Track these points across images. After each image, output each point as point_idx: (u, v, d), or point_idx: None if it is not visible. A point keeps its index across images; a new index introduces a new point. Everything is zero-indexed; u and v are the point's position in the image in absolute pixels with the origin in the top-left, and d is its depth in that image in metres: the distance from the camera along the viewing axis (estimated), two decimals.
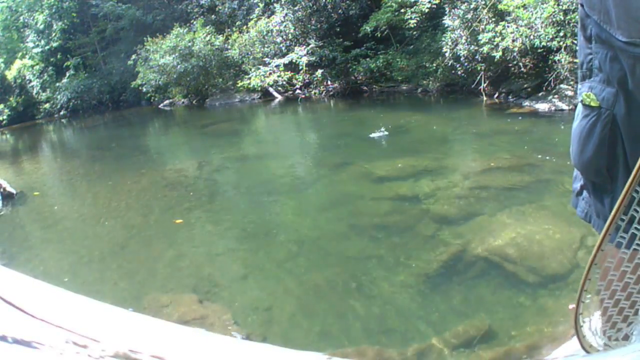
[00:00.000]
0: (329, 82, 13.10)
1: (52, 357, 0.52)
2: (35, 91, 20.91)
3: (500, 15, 8.81)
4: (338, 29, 13.20)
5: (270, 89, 13.93)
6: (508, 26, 8.41)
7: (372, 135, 7.25)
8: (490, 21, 8.90)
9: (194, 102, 15.85)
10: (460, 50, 9.47)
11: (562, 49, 7.82)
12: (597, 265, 0.94)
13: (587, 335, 1.01)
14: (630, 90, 0.95)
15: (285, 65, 13.38)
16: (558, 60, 7.92)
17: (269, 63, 13.79)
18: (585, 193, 1.15)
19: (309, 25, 13.46)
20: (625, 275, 0.94)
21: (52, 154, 12.10)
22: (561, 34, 7.76)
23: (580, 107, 1.08)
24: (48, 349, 0.53)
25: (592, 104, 1.03)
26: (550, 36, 7.79)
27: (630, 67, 0.93)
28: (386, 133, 7.25)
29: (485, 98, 9.50)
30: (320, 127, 10.00)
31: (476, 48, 9.10)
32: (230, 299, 3.31)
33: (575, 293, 2.72)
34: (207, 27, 15.31)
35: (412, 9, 10.86)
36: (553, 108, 8.04)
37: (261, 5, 15.00)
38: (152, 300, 3.36)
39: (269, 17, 14.40)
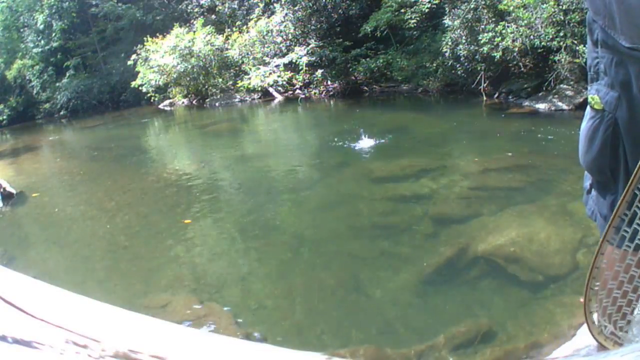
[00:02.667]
0: (329, 82, 13.10)
1: (52, 357, 0.52)
2: (35, 91, 20.89)
3: (500, 15, 8.80)
4: (338, 29, 13.20)
5: (270, 89, 13.93)
6: (508, 26, 8.41)
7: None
8: (490, 21, 8.90)
9: (194, 102, 15.84)
10: (460, 50, 9.47)
11: (562, 49, 7.82)
12: (603, 255, 0.97)
13: (596, 322, 1.04)
14: (634, 95, 0.97)
15: (285, 65, 13.38)
16: (558, 60, 7.92)
17: (269, 63, 13.78)
18: (594, 191, 1.18)
19: (309, 25, 13.45)
20: (630, 267, 0.97)
21: (52, 154, 12.10)
22: (561, 34, 7.75)
23: (588, 108, 1.11)
24: (48, 349, 0.53)
25: (596, 106, 1.06)
26: (550, 36, 7.79)
27: (636, 71, 0.95)
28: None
29: (485, 98, 9.49)
30: (320, 127, 9.99)
31: (476, 48, 9.10)
32: (230, 299, 3.31)
33: (577, 293, 2.71)
34: (207, 27, 15.29)
35: (412, 9, 10.86)
36: (553, 108, 8.04)
37: (261, 5, 14.99)
38: (152, 300, 3.36)
39: (269, 17, 14.39)
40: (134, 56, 16.03)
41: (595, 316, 1.06)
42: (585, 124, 1.11)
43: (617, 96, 1.01)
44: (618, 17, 0.93)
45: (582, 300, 2.68)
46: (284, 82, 13.57)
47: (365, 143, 7.07)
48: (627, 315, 1.05)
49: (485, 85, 9.64)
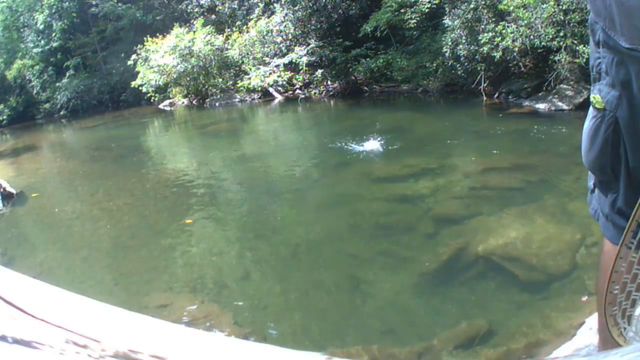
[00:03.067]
0: (329, 82, 13.10)
1: (52, 357, 0.52)
2: (35, 91, 20.90)
3: (500, 15, 8.80)
4: (338, 29, 13.19)
5: (270, 89, 13.93)
6: (508, 26, 8.41)
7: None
8: (490, 21, 8.90)
9: (194, 102, 15.84)
10: (460, 50, 9.47)
11: (562, 49, 7.82)
12: (622, 259, 0.98)
13: (617, 324, 1.05)
14: (634, 94, 0.98)
15: (285, 65, 13.38)
16: (558, 60, 7.92)
17: (269, 63, 13.79)
18: (597, 190, 1.19)
19: (309, 25, 13.45)
20: None
21: (52, 154, 12.10)
22: (561, 34, 7.75)
23: (591, 107, 1.13)
24: (48, 349, 0.53)
25: (598, 105, 1.08)
26: (550, 36, 7.79)
27: (636, 71, 0.97)
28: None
29: (485, 98, 9.50)
30: (320, 127, 10.00)
31: (476, 48, 9.10)
32: (230, 299, 3.31)
33: (577, 293, 2.71)
34: (207, 27, 15.29)
35: (412, 9, 10.85)
36: (553, 108, 8.04)
37: (261, 5, 14.99)
38: (152, 300, 3.36)
39: (269, 17, 14.39)
40: (134, 56, 16.02)
41: (615, 319, 1.07)
42: (588, 123, 1.12)
43: (618, 95, 1.02)
44: (618, 18, 0.94)
45: (584, 299, 2.68)
46: (284, 82, 13.57)
47: (365, 143, 7.06)
48: None
49: (485, 85, 9.64)
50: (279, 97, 13.83)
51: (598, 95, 1.07)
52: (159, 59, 15.00)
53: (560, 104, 8.02)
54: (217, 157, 8.09)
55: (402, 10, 11.09)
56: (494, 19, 8.87)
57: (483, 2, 9.00)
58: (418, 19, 10.80)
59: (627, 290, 1.01)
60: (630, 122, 1.01)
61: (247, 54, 14.45)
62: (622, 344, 1.06)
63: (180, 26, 15.61)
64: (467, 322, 2.67)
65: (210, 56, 14.76)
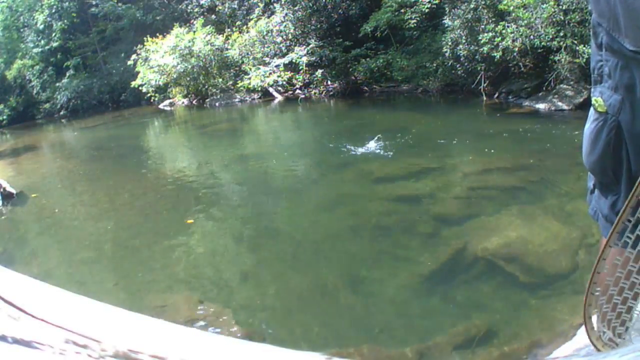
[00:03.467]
0: (329, 82, 13.10)
1: (52, 357, 0.52)
2: (35, 91, 20.92)
3: (500, 15, 8.81)
4: (338, 29, 13.20)
5: (270, 89, 13.94)
6: (508, 26, 8.42)
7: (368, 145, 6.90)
8: (490, 21, 8.91)
9: (194, 102, 15.85)
10: (460, 50, 9.47)
11: (562, 49, 7.82)
12: (605, 261, 0.96)
13: (595, 327, 1.04)
14: (638, 98, 0.98)
15: (285, 65, 13.38)
16: (558, 60, 7.92)
17: (269, 63, 13.79)
18: (596, 191, 1.18)
19: (309, 25, 13.46)
20: (631, 274, 0.96)
21: (52, 154, 12.10)
22: (561, 34, 7.76)
23: (592, 110, 1.12)
24: (48, 349, 0.53)
25: (600, 109, 1.07)
26: (550, 36, 7.79)
27: None
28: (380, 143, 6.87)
29: (485, 98, 9.50)
30: (320, 127, 10.00)
31: (476, 48, 9.10)
32: (230, 299, 3.31)
33: (577, 293, 2.71)
34: (207, 27, 15.30)
35: (412, 9, 10.86)
36: (553, 108, 8.04)
37: (261, 5, 15.00)
38: (152, 300, 3.36)
39: (269, 17, 14.40)
40: (134, 56, 16.03)
41: (594, 321, 1.05)
42: (589, 126, 1.12)
43: (621, 99, 1.01)
44: (623, 19, 0.93)
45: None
46: (284, 82, 13.57)
47: (365, 143, 7.06)
48: (626, 322, 1.04)
49: (485, 85, 9.64)
50: (279, 97, 13.83)
51: (600, 98, 1.06)
52: (159, 59, 15.01)
53: (560, 104, 8.02)
54: (218, 157, 8.09)
55: (402, 10, 11.10)
56: (494, 19, 8.87)
57: (483, 2, 9.00)
58: (418, 19, 10.81)
59: (608, 293, 0.99)
60: (633, 126, 1.00)
61: (247, 54, 14.45)
62: (601, 348, 1.04)
63: (180, 26, 15.62)
64: (467, 322, 2.67)
65: (210, 56, 14.77)
